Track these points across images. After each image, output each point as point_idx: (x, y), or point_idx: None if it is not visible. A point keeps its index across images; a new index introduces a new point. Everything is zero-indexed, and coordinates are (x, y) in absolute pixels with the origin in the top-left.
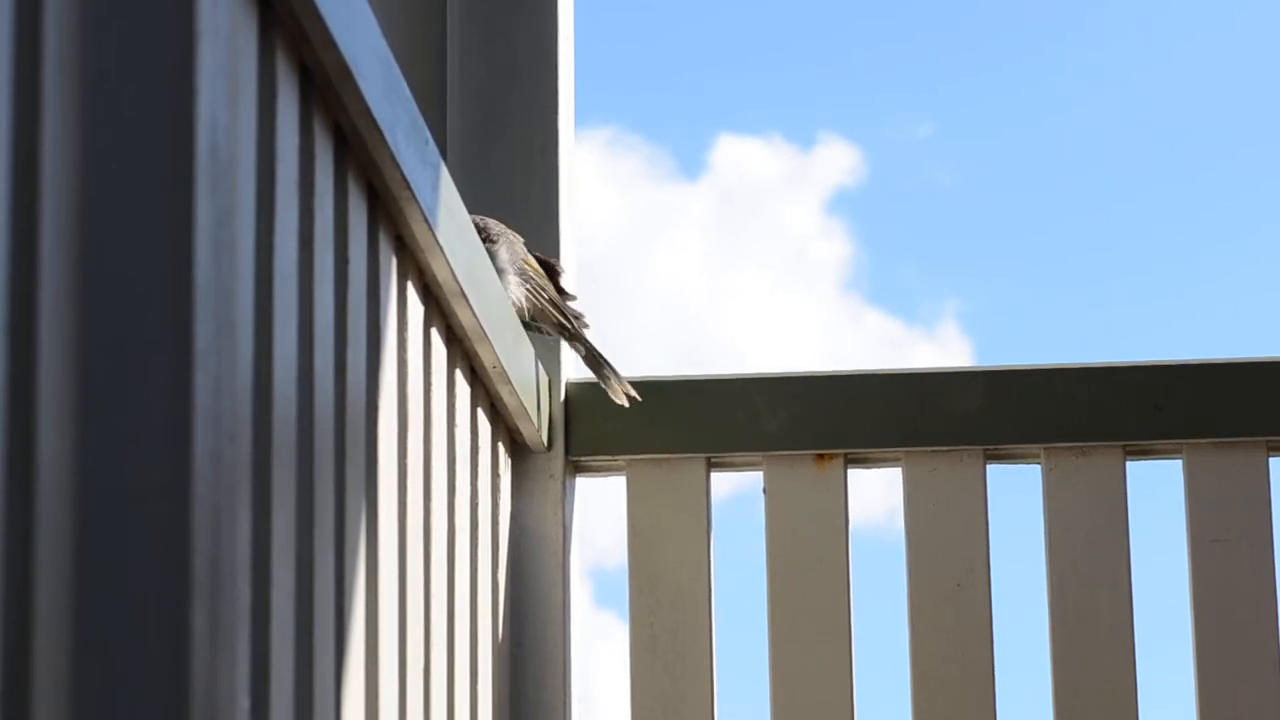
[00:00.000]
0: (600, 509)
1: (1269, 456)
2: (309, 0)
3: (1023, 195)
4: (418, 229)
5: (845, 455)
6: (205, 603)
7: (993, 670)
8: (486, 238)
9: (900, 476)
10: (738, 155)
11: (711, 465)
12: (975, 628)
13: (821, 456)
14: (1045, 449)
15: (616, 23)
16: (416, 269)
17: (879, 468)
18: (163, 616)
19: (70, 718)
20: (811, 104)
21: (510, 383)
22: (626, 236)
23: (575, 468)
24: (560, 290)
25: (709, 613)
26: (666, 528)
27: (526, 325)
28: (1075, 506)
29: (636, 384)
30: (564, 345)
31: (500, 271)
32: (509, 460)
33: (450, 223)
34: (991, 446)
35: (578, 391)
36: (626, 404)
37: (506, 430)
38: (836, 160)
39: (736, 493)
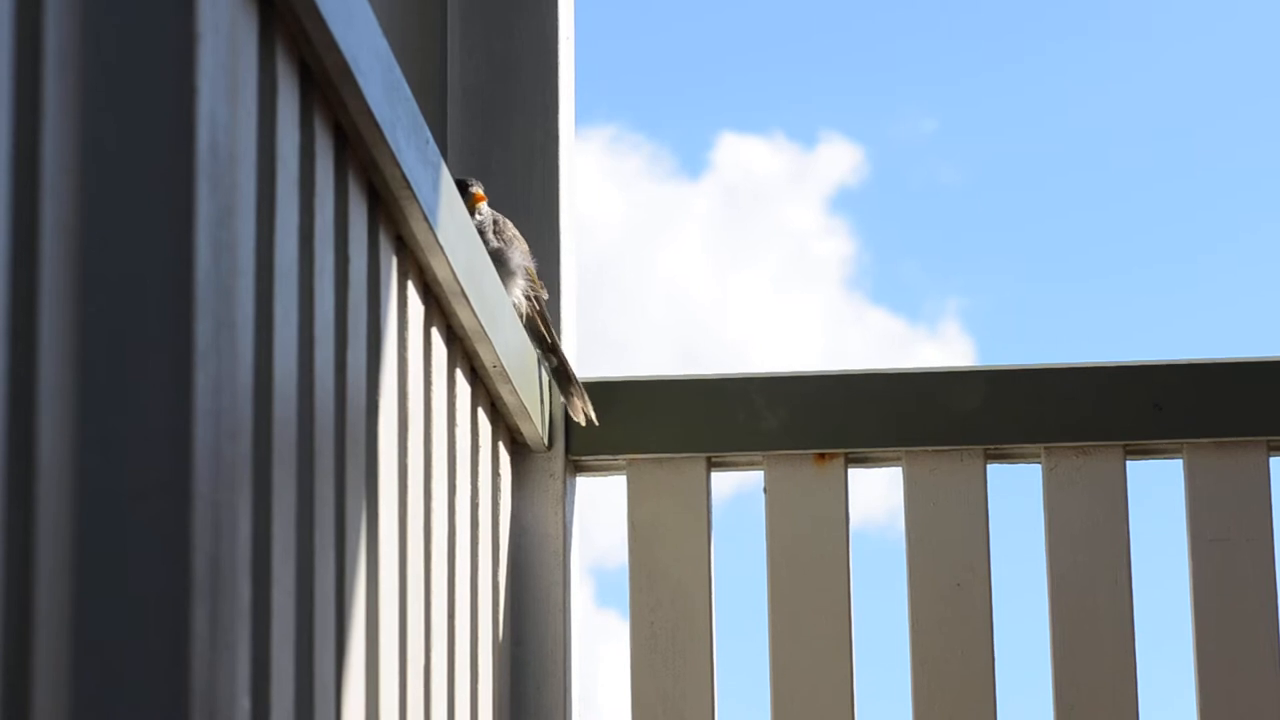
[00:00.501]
0: (601, 508)
1: (1269, 456)
2: None
3: (1026, 193)
4: (418, 228)
5: (845, 455)
6: (205, 601)
7: (993, 669)
8: (503, 239)
9: (900, 476)
10: (740, 153)
11: (712, 465)
12: (976, 627)
13: (822, 456)
14: (1045, 448)
15: (618, 21)
16: (417, 268)
17: (879, 467)
18: (163, 615)
19: (70, 716)
20: (814, 102)
21: (510, 382)
22: (629, 235)
23: (576, 467)
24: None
25: (709, 612)
26: (667, 527)
27: None
28: (1075, 506)
29: (636, 384)
30: (563, 345)
31: (511, 273)
32: (509, 459)
33: (450, 222)
34: (992, 446)
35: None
36: (583, 422)
37: (507, 429)
38: (839, 158)
39: (737, 492)
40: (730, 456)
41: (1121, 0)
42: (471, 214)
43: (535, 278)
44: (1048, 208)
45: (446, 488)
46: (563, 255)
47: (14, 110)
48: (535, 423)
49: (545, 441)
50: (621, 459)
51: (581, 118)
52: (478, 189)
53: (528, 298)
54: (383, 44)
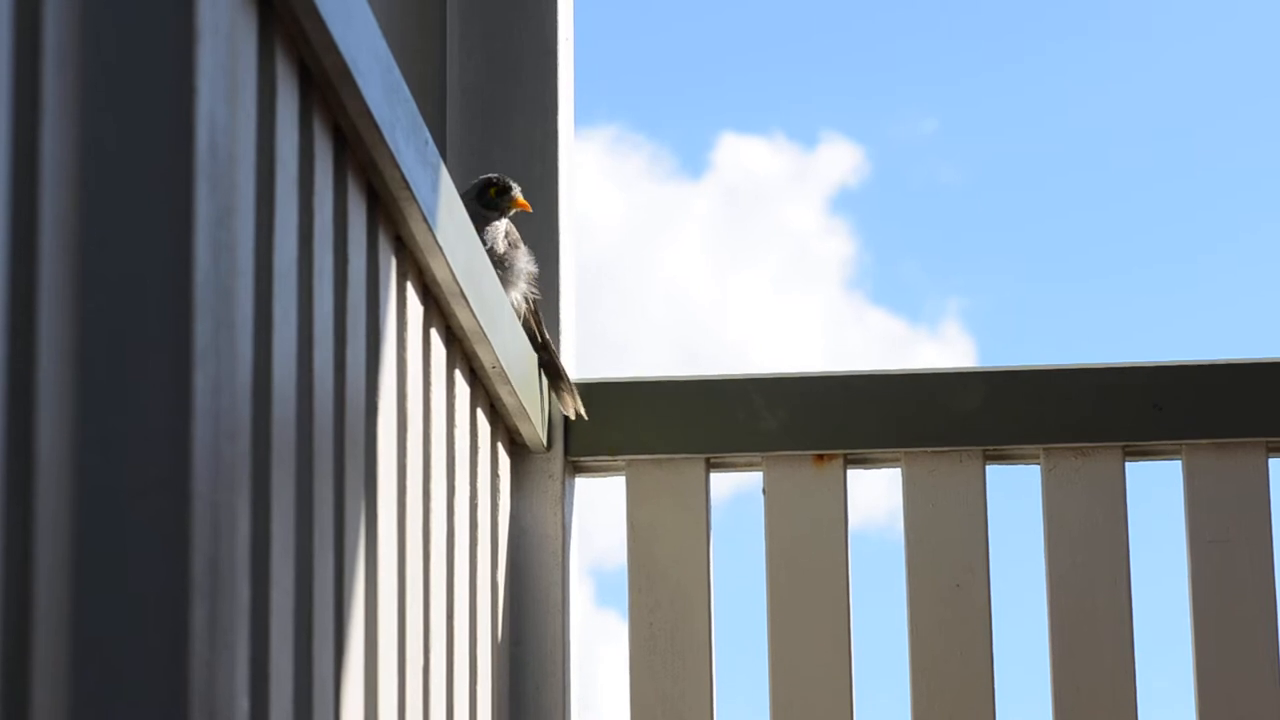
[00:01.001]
0: (601, 509)
1: (1268, 457)
2: (309, 0)
3: (1026, 193)
4: (417, 229)
5: (844, 455)
6: (204, 601)
7: (992, 669)
8: (510, 241)
9: (900, 477)
10: (740, 154)
11: (711, 465)
12: (975, 627)
13: (821, 457)
14: (1044, 449)
15: (619, 22)
16: (416, 269)
17: (878, 468)
18: (162, 614)
19: (69, 715)
20: (814, 102)
21: (510, 383)
22: (629, 235)
23: (575, 468)
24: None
25: (708, 612)
26: (666, 528)
27: None
28: (1074, 507)
29: (635, 384)
30: (562, 345)
31: (515, 277)
32: (508, 460)
33: (450, 223)
34: (991, 447)
35: (577, 391)
36: (573, 416)
37: (506, 430)
38: (839, 159)
39: (736, 493)
40: (729, 457)
41: (1122, 1)
42: (504, 214)
43: (533, 280)
44: (1048, 208)
45: (445, 488)
46: (561, 256)
47: (13, 110)
48: (534, 423)
49: (544, 442)
50: (620, 460)
51: (582, 118)
52: (519, 194)
53: (525, 299)
54: (382, 45)
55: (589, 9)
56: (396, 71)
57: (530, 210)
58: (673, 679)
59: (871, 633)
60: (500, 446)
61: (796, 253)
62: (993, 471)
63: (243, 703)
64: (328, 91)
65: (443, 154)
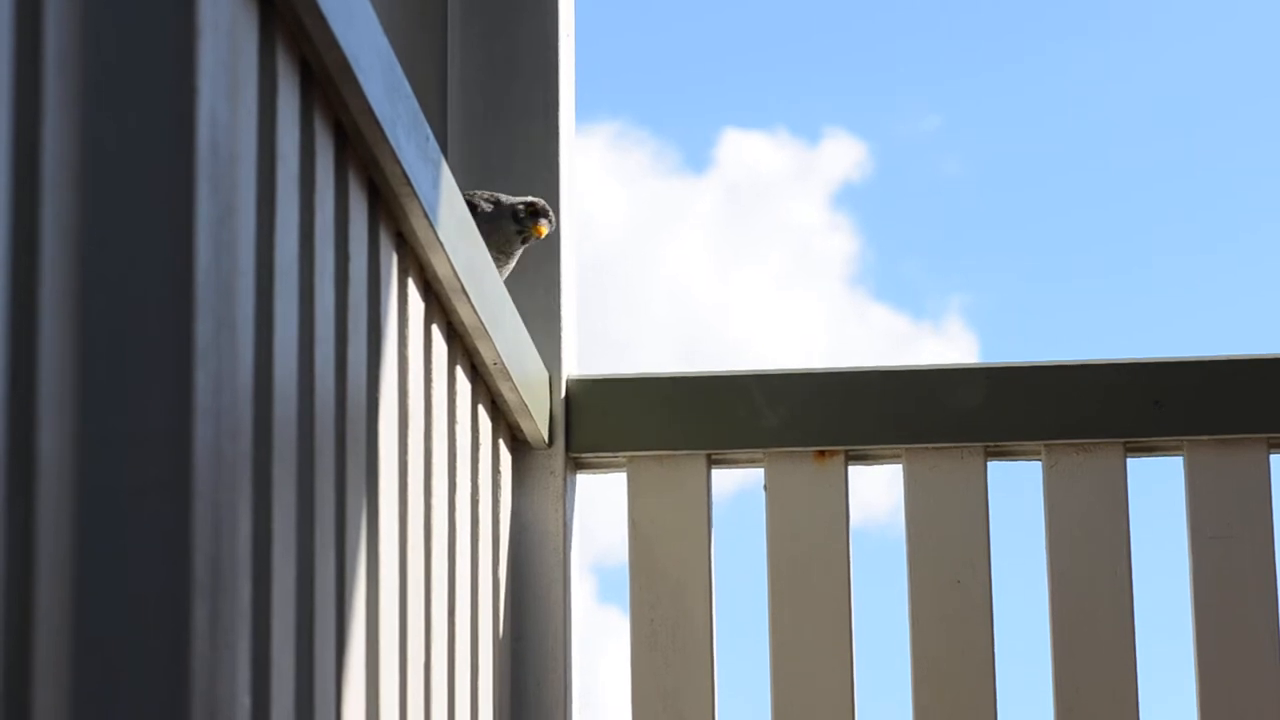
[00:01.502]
0: (604, 505)
1: (1270, 453)
2: None
3: (1030, 189)
4: (418, 225)
5: (846, 452)
6: (206, 600)
7: (993, 665)
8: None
9: (901, 473)
10: (743, 150)
11: (712, 462)
12: (976, 623)
13: (822, 453)
14: (1046, 445)
15: (622, 18)
16: (417, 265)
17: (879, 465)
18: (163, 613)
19: (70, 714)
20: (817, 98)
21: (511, 379)
22: (632, 231)
23: (576, 464)
24: None
25: (709, 609)
26: (667, 524)
27: None
28: (1076, 503)
29: (636, 381)
30: (563, 343)
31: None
32: (510, 457)
33: (451, 219)
34: (992, 443)
35: (579, 388)
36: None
37: (507, 426)
38: (842, 154)
39: (739, 490)
40: (730, 454)
41: None
42: (523, 240)
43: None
44: (1051, 204)
45: (447, 485)
46: (563, 253)
47: (14, 109)
48: (535, 420)
49: (545, 439)
50: (622, 456)
51: (585, 114)
52: (544, 225)
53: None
54: (383, 41)
55: (591, 5)
56: (398, 68)
57: (542, 235)
58: (674, 675)
59: (873, 629)
60: (501, 443)
61: (799, 249)
62: (994, 468)
63: (244, 701)
64: (329, 88)
65: (444, 150)
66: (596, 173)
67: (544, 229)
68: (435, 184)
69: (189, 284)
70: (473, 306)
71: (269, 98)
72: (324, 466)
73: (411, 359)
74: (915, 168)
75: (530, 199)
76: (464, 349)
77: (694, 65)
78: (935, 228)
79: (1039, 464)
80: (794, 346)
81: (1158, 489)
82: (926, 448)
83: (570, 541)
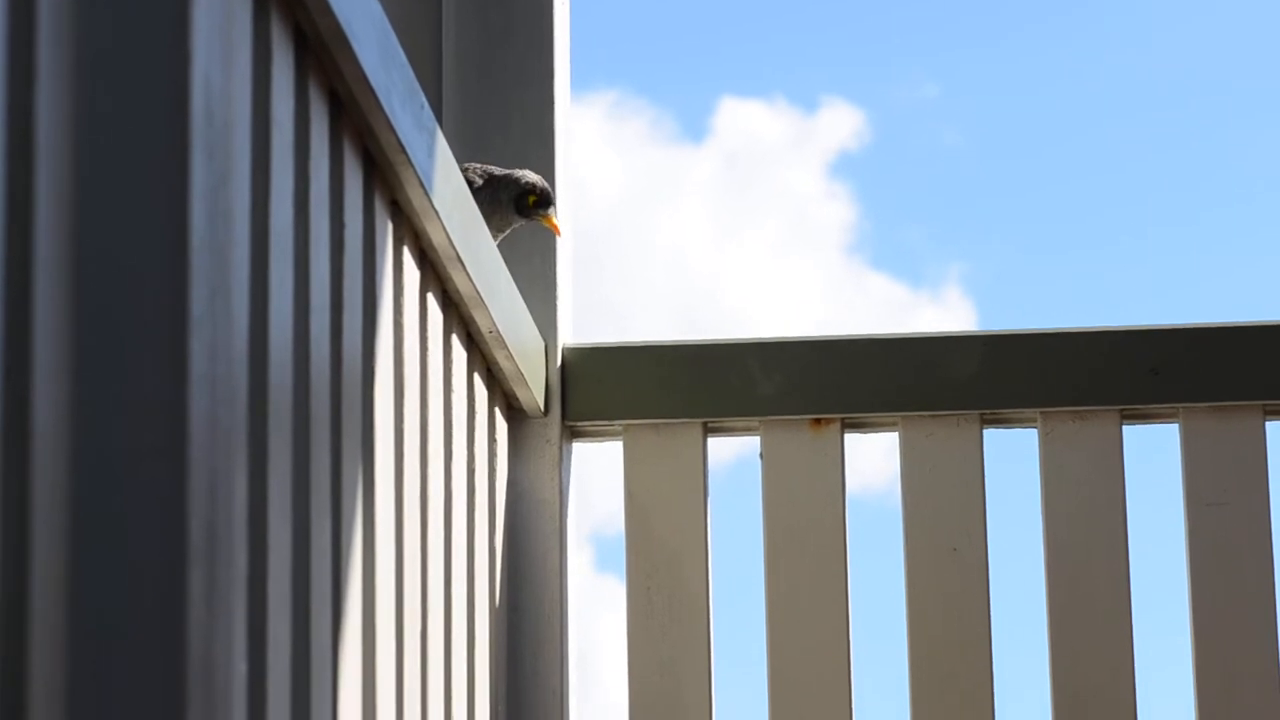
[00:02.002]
0: (602, 474)
1: (1265, 420)
2: None
3: (1028, 157)
4: (413, 194)
5: (842, 420)
6: (201, 567)
7: (989, 634)
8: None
9: (897, 441)
10: (741, 118)
11: (708, 430)
12: (972, 592)
13: (818, 421)
14: (1042, 413)
15: None
16: (412, 234)
17: (875, 432)
18: (158, 581)
19: (66, 682)
20: (815, 66)
21: (507, 347)
22: (630, 200)
23: (572, 433)
24: None
25: (706, 578)
26: (663, 493)
27: None
28: (1072, 470)
29: (632, 349)
30: (559, 312)
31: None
32: (506, 425)
33: (446, 187)
34: (988, 411)
35: (575, 356)
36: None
37: (503, 395)
38: (840, 123)
39: (737, 458)
40: (726, 422)
41: None
42: (525, 214)
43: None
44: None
45: (443, 453)
46: (559, 218)
47: (8, 77)
48: (531, 388)
49: (541, 407)
50: (618, 425)
51: (583, 83)
52: (554, 214)
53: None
54: (378, 9)
55: None
56: (392, 36)
57: (560, 234)
58: (670, 644)
59: (869, 597)
60: (497, 411)
61: (797, 217)
62: (990, 435)
63: (240, 668)
64: (323, 56)
65: (439, 119)
66: (594, 142)
67: (557, 225)
68: (430, 153)
69: (184, 251)
70: (468, 275)
71: (263, 65)
72: (319, 434)
73: (407, 327)
74: (913, 136)
75: (530, 180)
76: (459, 317)
77: (691, 34)
78: (933, 196)
79: (1035, 432)
80: (791, 315)
81: (1154, 456)
82: (922, 415)
83: (566, 510)
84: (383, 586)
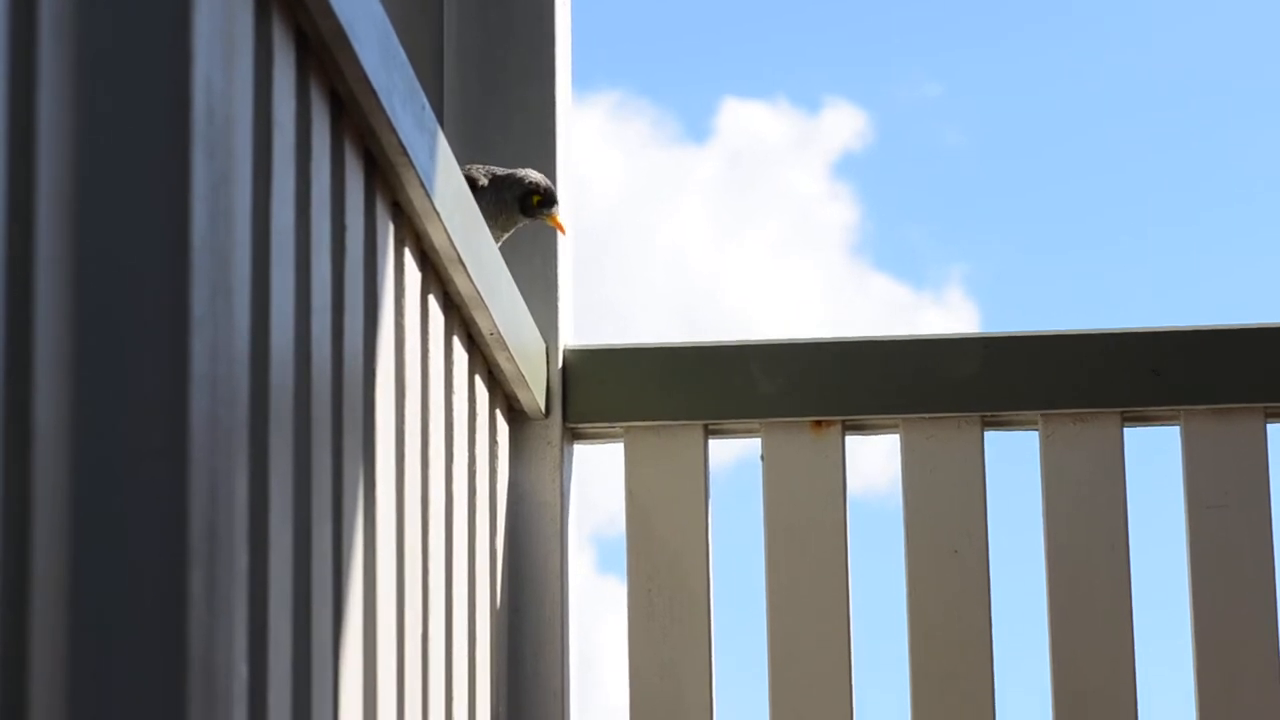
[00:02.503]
0: (604, 475)
1: (1266, 423)
2: None
3: (1031, 158)
4: (415, 195)
5: (843, 422)
6: (202, 567)
7: (990, 635)
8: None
9: (898, 443)
10: (744, 119)
11: (709, 432)
12: (973, 593)
13: (819, 423)
14: (1043, 415)
15: None
16: (414, 235)
17: (876, 434)
18: (159, 581)
19: (66, 681)
20: (818, 67)
21: (508, 349)
22: (633, 201)
23: (573, 434)
24: None
25: (707, 579)
26: (664, 495)
27: None
28: (1073, 472)
29: (633, 351)
30: (560, 313)
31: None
32: (506, 427)
33: (447, 188)
34: (989, 413)
35: (576, 358)
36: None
37: (504, 397)
38: (842, 123)
39: (738, 460)
40: (727, 424)
41: None
42: (529, 214)
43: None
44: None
45: (444, 455)
46: (561, 218)
47: (9, 77)
48: (532, 390)
49: (543, 409)
50: (619, 426)
51: (586, 84)
52: (558, 213)
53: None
54: (379, 10)
55: None
56: (393, 37)
57: (564, 232)
58: (671, 645)
59: (870, 599)
60: (498, 413)
61: (799, 218)
62: (991, 437)
63: (241, 669)
64: (324, 56)
65: (440, 120)
66: (596, 142)
67: (561, 223)
68: (431, 154)
69: (185, 252)
70: (469, 276)
71: (265, 66)
72: (321, 435)
73: (408, 329)
74: (916, 137)
75: (533, 180)
76: (461, 319)
77: (694, 35)
78: (936, 197)
79: (1036, 434)
80: (793, 316)
81: (1155, 458)
82: (923, 417)
83: (568, 512)
84: (384, 588)
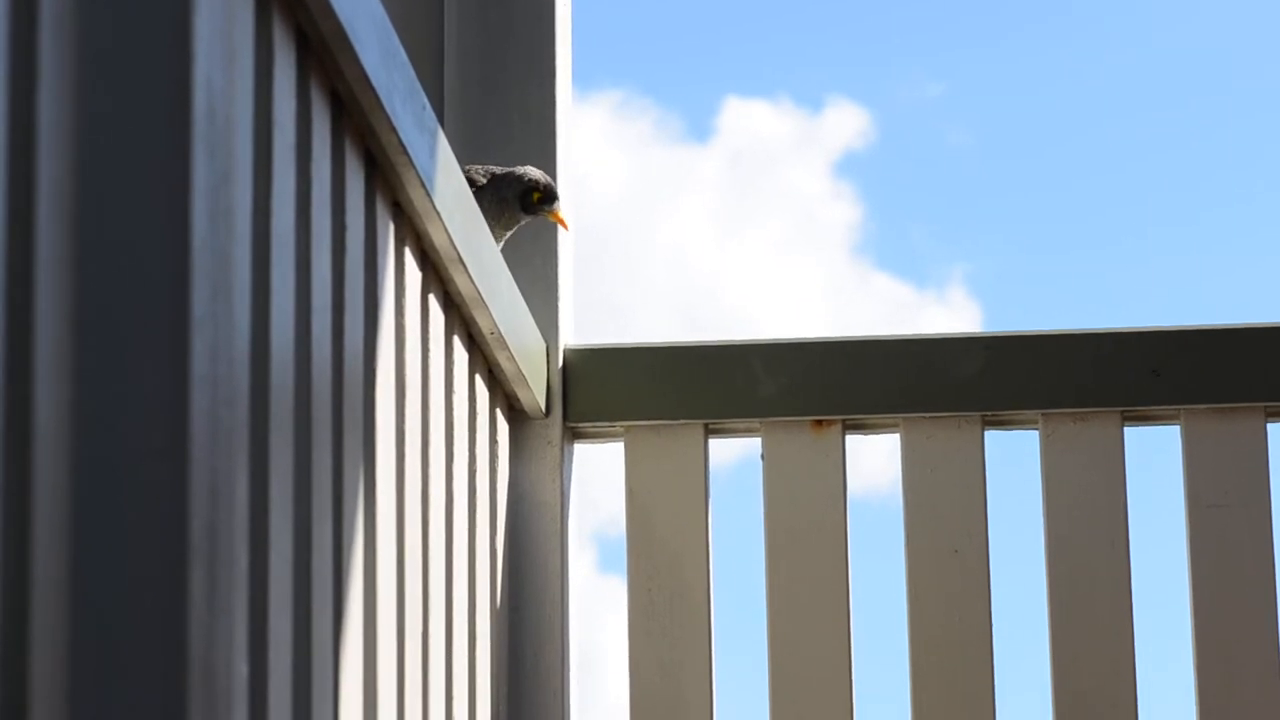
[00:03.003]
0: (606, 475)
1: (1267, 422)
2: None
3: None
4: (415, 194)
5: (843, 421)
6: (202, 567)
7: (990, 635)
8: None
9: (898, 443)
10: (746, 118)
11: (709, 431)
12: (973, 593)
13: (819, 423)
14: (1043, 414)
15: None
16: (414, 234)
17: (877, 434)
18: (160, 581)
19: (67, 682)
20: (820, 66)
21: (508, 348)
22: (635, 200)
23: (573, 434)
24: None
25: (707, 579)
26: (665, 494)
27: None
28: (1073, 472)
29: (633, 350)
30: (560, 313)
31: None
32: (507, 426)
33: (447, 188)
34: (989, 412)
35: (576, 358)
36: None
37: (504, 396)
38: (845, 122)
39: (738, 460)
40: (727, 423)
41: None
42: (530, 211)
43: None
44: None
45: (444, 454)
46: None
47: (10, 76)
48: (533, 389)
49: (543, 408)
50: (619, 426)
51: (588, 83)
52: (559, 209)
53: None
54: (379, 10)
55: None
56: (394, 36)
57: (567, 228)
58: (671, 645)
59: (871, 598)
60: (499, 412)
61: (802, 218)
62: (991, 437)
63: (241, 668)
64: (325, 56)
65: (440, 119)
66: (599, 141)
67: (564, 219)
68: (432, 153)
69: (185, 251)
70: (470, 276)
71: (265, 65)
72: (321, 435)
73: (408, 328)
74: (918, 136)
75: (533, 177)
76: (461, 318)
77: (697, 34)
78: (938, 196)
79: (1036, 433)
80: (795, 315)
81: (1155, 458)
82: (924, 417)
83: (568, 511)
84: (384, 587)
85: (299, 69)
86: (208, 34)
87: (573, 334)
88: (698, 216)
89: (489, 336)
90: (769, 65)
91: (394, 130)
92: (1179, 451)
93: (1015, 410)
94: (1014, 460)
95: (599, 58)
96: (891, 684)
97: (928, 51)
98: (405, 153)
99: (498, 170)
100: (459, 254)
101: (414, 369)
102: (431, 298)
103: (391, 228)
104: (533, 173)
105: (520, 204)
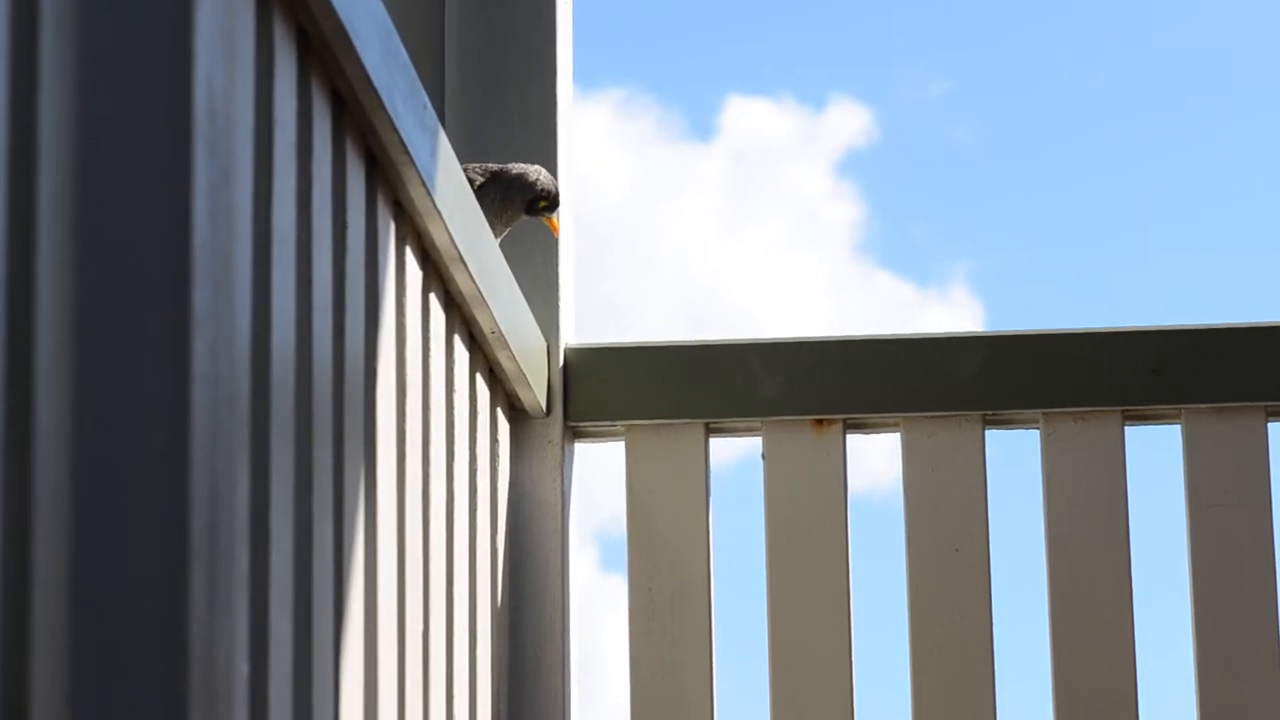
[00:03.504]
0: (606, 474)
1: (1268, 421)
2: None
3: (1036, 155)
4: (416, 194)
5: (844, 420)
6: (203, 567)
7: (991, 634)
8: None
9: (899, 442)
10: (748, 116)
11: (710, 431)
12: (974, 592)
13: (820, 422)
14: (1044, 414)
15: None
16: (415, 234)
17: (877, 433)
18: (160, 581)
19: (68, 681)
20: (823, 64)
21: (509, 348)
22: (637, 198)
23: (574, 433)
24: None
25: (708, 578)
26: (665, 494)
27: None
28: (1074, 471)
29: (634, 350)
30: (561, 312)
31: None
32: (508, 426)
33: (448, 187)
34: (990, 411)
35: (577, 357)
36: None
37: (505, 395)
38: (847, 121)
39: (739, 459)
40: (728, 422)
41: None
42: (533, 214)
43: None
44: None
45: (445, 454)
46: (561, 221)
47: (11, 76)
48: (534, 389)
49: (544, 408)
50: (620, 425)
51: (591, 81)
52: (555, 219)
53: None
54: (380, 9)
55: None
56: (395, 35)
57: (557, 235)
58: (671, 644)
59: (872, 597)
60: (499, 412)
61: (804, 216)
62: (992, 436)
63: (242, 668)
64: (326, 55)
65: (441, 118)
66: (601, 140)
67: (558, 225)
68: (433, 152)
69: (186, 251)
70: (470, 275)
71: (266, 65)
72: (322, 434)
73: (409, 327)
74: (921, 134)
75: (544, 186)
76: (462, 317)
77: (699, 32)
78: (941, 195)
79: (1037, 432)
80: (797, 314)
81: (1156, 457)
82: (925, 416)
83: (568, 511)
84: (384, 587)
85: (300, 68)
86: (208, 33)
87: (573, 333)
88: (700, 215)
89: (490, 335)
90: (771, 63)
91: (395, 129)
92: (1179, 451)
93: (1016, 409)
94: (1015, 459)
95: (601, 56)
96: (892, 683)
97: (930, 50)
98: (406, 152)
99: (494, 167)
100: (460, 253)
101: (415, 368)
102: (432, 297)
103: (392, 227)
104: (543, 180)
105: (525, 209)
